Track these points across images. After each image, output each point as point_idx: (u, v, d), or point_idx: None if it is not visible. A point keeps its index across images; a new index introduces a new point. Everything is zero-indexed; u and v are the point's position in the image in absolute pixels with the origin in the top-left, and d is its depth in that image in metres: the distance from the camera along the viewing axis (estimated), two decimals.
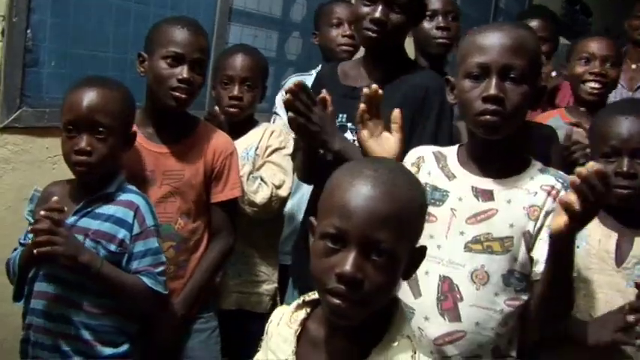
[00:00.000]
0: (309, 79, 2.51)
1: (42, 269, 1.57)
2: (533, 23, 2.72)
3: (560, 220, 1.16)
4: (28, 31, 1.96)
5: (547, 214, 1.35)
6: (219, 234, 1.90)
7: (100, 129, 1.55)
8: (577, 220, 1.14)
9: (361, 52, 1.98)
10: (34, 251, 1.46)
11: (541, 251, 1.33)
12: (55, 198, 1.51)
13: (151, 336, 1.76)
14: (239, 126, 2.15)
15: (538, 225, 1.35)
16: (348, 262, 0.94)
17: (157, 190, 1.79)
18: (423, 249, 1.06)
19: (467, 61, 1.36)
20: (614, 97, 2.85)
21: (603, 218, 1.58)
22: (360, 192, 0.97)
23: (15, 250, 1.63)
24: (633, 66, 3.37)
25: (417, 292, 1.41)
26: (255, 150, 2.13)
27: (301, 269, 1.89)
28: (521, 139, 1.47)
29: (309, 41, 3.18)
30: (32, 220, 1.57)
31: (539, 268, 1.33)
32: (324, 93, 1.61)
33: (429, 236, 1.37)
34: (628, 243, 1.54)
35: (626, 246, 1.54)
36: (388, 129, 1.55)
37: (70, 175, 1.61)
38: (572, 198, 1.12)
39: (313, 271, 1.00)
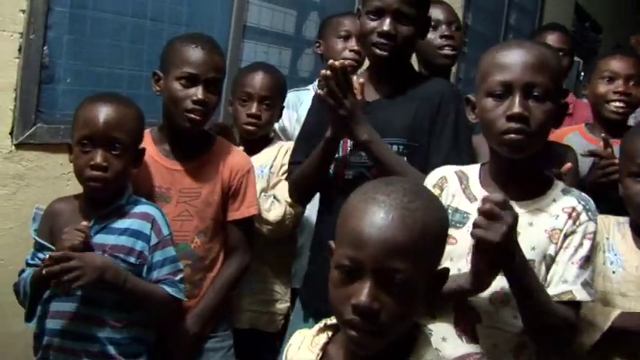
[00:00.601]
0: (306, 94, 2.52)
1: (57, 288, 1.55)
2: (552, 36, 2.72)
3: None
4: (45, 48, 1.97)
5: (565, 236, 1.33)
6: (235, 252, 1.88)
7: (116, 145, 1.55)
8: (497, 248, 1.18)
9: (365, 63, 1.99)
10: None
11: (553, 273, 1.32)
12: (84, 223, 1.52)
13: (166, 349, 1.76)
14: (254, 143, 2.14)
15: (557, 248, 1.34)
16: (363, 293, 0.91)
17: (173, 208, 1.77)
18: (445, 272, 1.03)
19: (488, 80, 1.34)
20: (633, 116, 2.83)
21: (638, 241, 1.58)
22: (372, 220, 0.94)
23: (23, 270, 1.62)
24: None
25: (433, 314, 1.38)
26: (270, 168, 2.12)
27: (312, 288, 1.89)
28: (543, 159, 1.45)
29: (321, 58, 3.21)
30: (38, 239, 1.59)
31: (551, 291, 1.31)
32: (362, 80, 1.61)
33: (449, 258, 1.36)
34: None
35: None
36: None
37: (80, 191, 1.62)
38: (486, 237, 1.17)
39: (331, 301, 0.98)
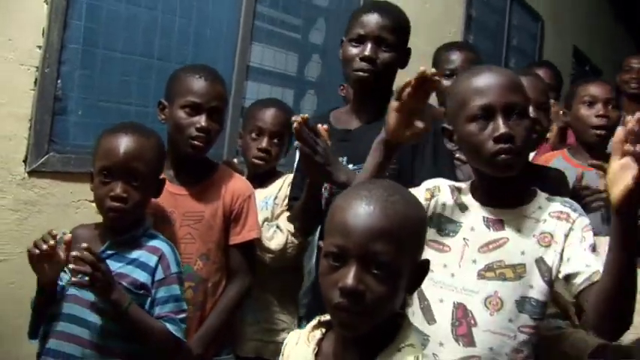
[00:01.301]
0: None
1: (63, 309, 1.56)
2: (540, 72, 2.83)
3: (622, 183, 1.10)
4: (59, 81, 2.08)
5: (565, 236, 1.36)
6: (237, 276, 1.91)
7: (136, 176, 1.58)
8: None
9: None
10: (72, 278, 1.49)
11: (573, 267, 1.33)
12: (84, 245, 1.50)
13: None
14: (261, 176, 2.19)
15: (557, 248, 1.36)
16: (349, 276, 0.99)
17: (176, 230, 1.82)
18: (425, 263, 1.10)
19: (468, 106, 1.37)
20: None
21: None
22: (356, 211, 1.03)
23: None
24: (629, 117, 3.44)
25: (431, 319, 1.42)
26: (274, 199, 2.16)
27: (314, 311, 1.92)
28: (525, 173, 1.49)
29: (323, 98, 3.32)
30: None
31: (580, 278, 1.31)
32: (325, 125, 1.62)
33: (443, 265, 1.41)
34: None
35: None
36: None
37: (92, 219, 1.66)
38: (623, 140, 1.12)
39: (321, 289, 1.04)
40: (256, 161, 2.16)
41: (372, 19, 1.75)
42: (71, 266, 1.48)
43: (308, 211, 1.83)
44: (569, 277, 1.34)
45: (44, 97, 2.04)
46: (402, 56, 1.83)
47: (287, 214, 2.14)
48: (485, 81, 1.38)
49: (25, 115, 2.01)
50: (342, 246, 1.01)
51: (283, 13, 3.09)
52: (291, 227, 2.10)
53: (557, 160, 2.28)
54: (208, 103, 1.79)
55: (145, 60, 2.40)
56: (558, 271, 1.36)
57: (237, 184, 1.94)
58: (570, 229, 1.37)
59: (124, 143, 1.58)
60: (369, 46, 1.73)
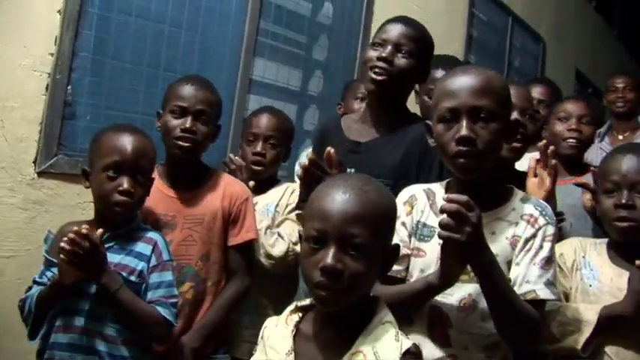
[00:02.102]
0: None
1: (64, 304, 1.60)
2: (536, 88, 2.92)
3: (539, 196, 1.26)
4: (69, 87, 2.17)
5: (526, 241, 1.39)
6: (235, 275, 1.97)
7: (142, 172, 1.65)
8: (465, 251, 1.25)
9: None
10: (60, 256, 1.51)
11: (516, 275, 1.37)
12: (85, 226, 1.53)
13: None
14: (262, 183, 2.24)
15: (516, 251, 1.39)
16: (328, 256, 1.08)
17: (178, 233, 1.88)
18: (397, 247, 1.19)
19: (439, 107, 1.40)
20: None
21: (613, 258, 1.67)
22: (334, 197, 1.12)
23: (29, 288, 1.66)
24: (620, 137, 3.53)
25: (409, 321, 1.45)
26: (276, 207, 2.20)
27: None
28: (503, 173, 1.54)
29: (325, 113, 3.40)
30: (48, 257, 1.64)
31: (514, 290, 1.36)
32: (332, 150, 1.63)
33: (420, 270, 1.44)
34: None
35: (638, 283, 1.57)
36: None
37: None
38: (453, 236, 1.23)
39: (302, 271, 1.13)
40: (254, 167, 2.21)
41: (395, 27, 1.80)
42: (62, 244, 1.50)
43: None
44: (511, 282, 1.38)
45: (55, 102, 2.13)
46: (420, 69, 1.84)
47: (288, 222, 2.21)
48: (456, 83, 1.40)
49: (36, 118, 2.10)
50: (321, 229, 1.10)
51: (286, 29, 3.18)
52: (293, 237, 2.16)
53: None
54: (193, 106, 1.86)
55: (152, 70, 2.49)
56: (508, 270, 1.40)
57: (235, 187, 2.00)
58: (533, 235, 1.39)
59: (132, 141, 1.65)
60: (388, 48, 1.76)
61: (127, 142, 1.64)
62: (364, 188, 1.14)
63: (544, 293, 1.36)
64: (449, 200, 1.23)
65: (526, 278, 1.36)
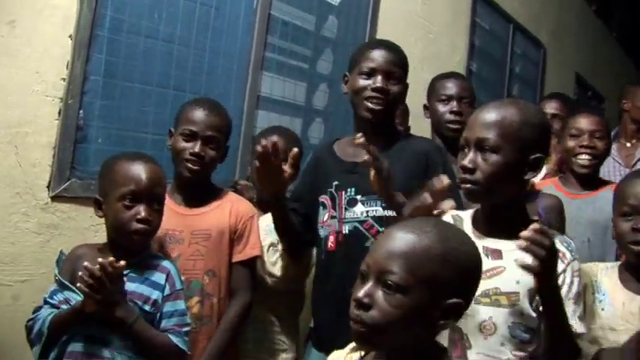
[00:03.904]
0: None
1: (77, 330, 1.62)
2: (549, 103, 2.96)
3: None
4: (81, 111, 2.18)
5: (558, 275, 1.41)
6: (238, 292, 2.01)
7: (158, 200, 1.71)
8: (541, 276, 1.29)
9: None
10: (78, 284, 1.53)
11: None
12: (111, 258, 1.56)
13: None
14: (269, 202, 2.30)
15: None
16: (361, 289, 1.08)
17: (186, 248, 1.94)
18: (458, 306, 1.10)
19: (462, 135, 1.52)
20: (610, 172, 3.02)
21: (625, 281, 1.69)
22: (389, 234, 1.13)
23: (39, 308, 1.67)
24: (628, 144, 3.55)
25: None
26: None
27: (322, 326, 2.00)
28: (523, 205, 1.56)
29: (330, 126, 3.42)
30: (61, 279, 1.65)
31: None
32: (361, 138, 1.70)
33: None
34: None
35: None
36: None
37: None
38: (527, 261, 1.27)
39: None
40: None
41: (382, 54, 1.88)
42: (80, 273, 1.53)
43: (276, 228, 1.96)
44: (536, 310, 1.43)
45: (67, 127, 2.14)
46: (405, 90, 1.95)
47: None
48: (475, 116, 1.49)
49: (49, 143, 2.11)
50: (366, 263, 1.11)
51: (292, 44, 3.20)
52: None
53: (549, 188, 2.38)
54: (203, 131, 1.94)
55: (161, 90, 2.51)
56: (531, 299, 1.44)
57: (241, 205, 2.07)
58: (563, 270, 1.43)
59: (146, 170, 1.69)
60: (379, 78, 1.84)
61: (141, 170, 1.68)
62: (424, 229, 1.11)
63: (579, 327, 1.41)
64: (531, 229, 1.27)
65: None
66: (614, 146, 3.59)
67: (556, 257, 1.30)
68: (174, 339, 1.68)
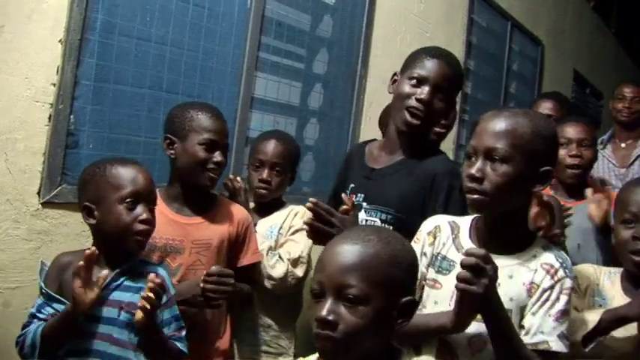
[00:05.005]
0: None
1: (75, 344, 1.61)
2: (545, 104, 2.95)
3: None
4: (71, 116, 2.16)
5: (544, 290, 1.42)
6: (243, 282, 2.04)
7: (155, 201, 1.73)
8: (480, 299, 1.28)
9: None
10: (76, 282, 1.53)
11: (531, 324, 1.41)
12: (104, 272, 1.58)
13: None
14: (267, 206, 2.31)
15: (533, 300, 1.42)
16: (323, 308, 1.09)
17: (186, 258, 1.94)
18: (412, 303, 1.16)
19: (469, 143, 1.50)
20: (605, 173, 3.02)
21: (627, 289, 1.69)
22: (334, 248, 1.14)
23: (28, 323, 1.65)
24: (623, 145, 3.57)
25: (418, 352, 1.49)
26: (279, 229, 2.26)
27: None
28: (526, 218, 1.55)
29: (325, 127, 3.41)
30: (49, 292, 1.64)
31: (527, 338, 1.39)
32: (345, 199, 1.69)
33: (434, 302, 1.48)
34: None
35: None
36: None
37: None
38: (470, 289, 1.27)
39: (309, 323, 1.14)
40: (259, 191, 2.28)
41: (437, 65, 1.78)
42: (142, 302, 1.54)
43: None
44: (522, 327, 1.41)
45: (57, 132, 2.12)
46: (449, 110, 1.88)
47: (289, 243, 2.24)
48: (483, 124, 1.46)
49: (40, 149, 2.09)
50: (319, 281, 1.12)
51: (287, 44, 3.17)
52: (292, 257, 2.19)
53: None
54: (223, 140, 1.97)
55: (154, 93, 2.49)
56: (522, 316, 1.43)
57: (239, 212, 2.08)
58: (551, 286, 1.41)
59: (142, 171, 1.70)
60: (427, 89, 1.76)
61: (137, 172, 1.69)
62: (366, 238, 1.14)
63: (557, 345, 1.38)
64: (468, 254, 1.26)
65: (540, 329, 1.39)
66: (608, 147, 3.60)
67: (492, 284, 1.29)
68: (179, 345, 1.70)
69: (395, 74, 1.89)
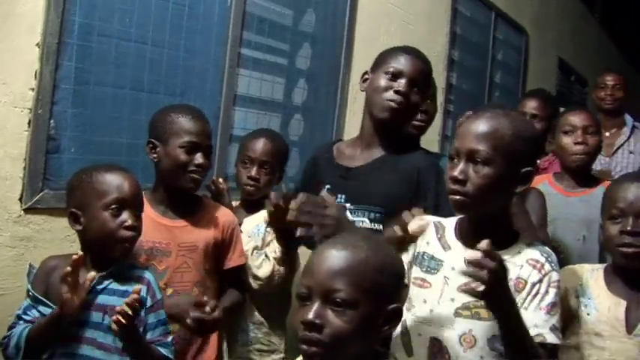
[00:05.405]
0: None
1: (60, 348, 1.62)
2: (529, 103, 2.97)
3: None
4: (51, 121, 2.14)
5: (533, 285, 1.44)
6: (232, 289, 2.06)
7: (141, 207, 1.73)
8: (485, 295, 1.29)
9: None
10: (63, 288, 1.53)
11: (523, 317, 1.41)
12: (92, 273, 1.58)
13: None
14: (254, 203, 2.31)
15: (523, 295, 1.44)
16: (310, 311, 1.11)
17: (173, 261, 1.95)
18: (397, 309, 1.19)
19: (452, 145, 1.52)
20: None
21: (612, 285, 1.69)
22: (324, 253, 1.16)
23: (13, 325, 1.66)
24: (607, 133, 3.61)
25: (410, 351, 1.51)
26: (266, 227, 2.25)
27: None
28: (509, 216, 1.57)
29: (310, 122, 3.41)
30: (36, 295, 1.65)
31: None
32: (325, 196, 1.66)
33: (423, 301, 1.50)
34: (637, 309, 1.63)
35: (635, 313, 1.63)
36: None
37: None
38: (472, 285, 1.28)
39: (294, 328, 1.15)
40: (247, 188, 2.30)
41: (411, 61, 1.85)
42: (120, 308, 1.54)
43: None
44: None
45: (38, 138, 2.11)
46: (422, 104, 1.94)
47: (276, 241, 2.24)
48: (465, 126, 1.49)
49: (20, 155, 2.08)
50: (307, 285, 1.13)
51: (269, 39, 3.16)
52: (278, 255, 2.20)
53: (543, 184, 2.41)
54: (205, 141, 1.96)
55: (135, 93, 2.47)
56: None
57: (224, 214, 2.09)
58: (539, 280, 1.44)
59: (127, 177, 1.70)
60: (404, 81, 1.81)
61: (123, 178, 1.70)
62: (356, 244, 1.16)
63: (551, 337, 1.41)
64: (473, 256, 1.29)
65: (534, 322, 1.41)
66: None
67: (504, 277, 1.31)
68: (163, 350, 1.70)
69: (366, 73, 1.93)
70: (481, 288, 1.27)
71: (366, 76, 1.93)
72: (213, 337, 2.05)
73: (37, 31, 2.08)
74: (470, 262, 1.27)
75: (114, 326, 1.55)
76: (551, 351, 1.42)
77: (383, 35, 3.78)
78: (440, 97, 3.89)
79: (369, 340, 1.16)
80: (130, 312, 1.53)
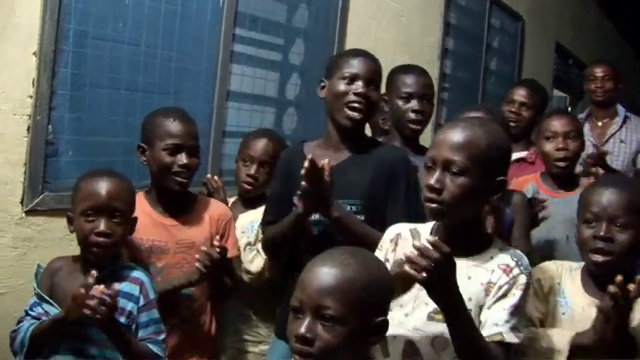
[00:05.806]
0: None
1: (63, 343, 1.72)
2: (518, 91, 3.02)
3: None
4: (49, 126, 2.22)
5: (499, 287, 1.49)
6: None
7: (117, 214, 1.77)
8: (425, 283, 1.36)
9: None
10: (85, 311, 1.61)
11: (486, 317, 1.49)
12: (93, 272, 1.66)
13: None
14: (250, 200, 2.40)
15: (490, 296, 1.50)
16: (302, 325, 1.20)
17: (171, 258, 2.05)
18: (384, 323, 1.27)
19: (427, 154, 1.54)
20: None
21: (587, 285, 1.74)
22: (315, 269, 1.24)
23: (21, 320, 1.76)
24: (599, 123, 3.67)
25: (385, 353, 1.58)
26: (259, 224, 2.31)
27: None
28: (481, 222, 1.65)
29: (303, 117, 3.47)
30: (41, 293, 1.75)
31: (483, 331, 1.47)
32: (328, 161, 1.78)
33: (400, 305, 1.55)
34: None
35: None
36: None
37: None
38: (410, 271, 1.35)
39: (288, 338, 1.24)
40: (245, 186, 2.38)
41: (363, 62, 1.96)
42: (93, 302, 1.61)
43: (279, 242, 2.01)
44: (480, 325, 1.49)
45: (37, 143, 2.19)
46: (379, 99, 2.03)
47: None
48: (442, 135, 1.52)
49: (20, 160, 2.16)
50: (299, 299, 1.22)
51: (262, 34, 3.20)
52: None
53: (531, 184, 2.48)
54: (187, 142, 2.02)
55: (130, 94, 2.53)
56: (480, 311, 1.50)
57: (219, 209, 2.18)
58: (507, 282, 1.49)
59: (105, 185, 1.76)
60: (360, 83, 1.91)
61: (101, 186, 1.77)
62: (345, 262, 1.24)
63: (509, 337, 1.46)
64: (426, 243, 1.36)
65: (494, 321, 1.47)
66: (586, 125, 3.69)
67: (449, 271, 1.36)
68: (153, 347, 1.77)
69: (322, 81, 2.02)
70: (420, 276, 1.33)
71: (323, 84, 2.02)
72: (211, 330, 2.16)
73: (34, 40, 2.15)
74: (415, 248, 1.34)
75: (87, 311, 1.61)
76: (508, 350, 1.47)
77: (375, 28, 3.82)
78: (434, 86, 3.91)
79: (357, 352, 1.25)
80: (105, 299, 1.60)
